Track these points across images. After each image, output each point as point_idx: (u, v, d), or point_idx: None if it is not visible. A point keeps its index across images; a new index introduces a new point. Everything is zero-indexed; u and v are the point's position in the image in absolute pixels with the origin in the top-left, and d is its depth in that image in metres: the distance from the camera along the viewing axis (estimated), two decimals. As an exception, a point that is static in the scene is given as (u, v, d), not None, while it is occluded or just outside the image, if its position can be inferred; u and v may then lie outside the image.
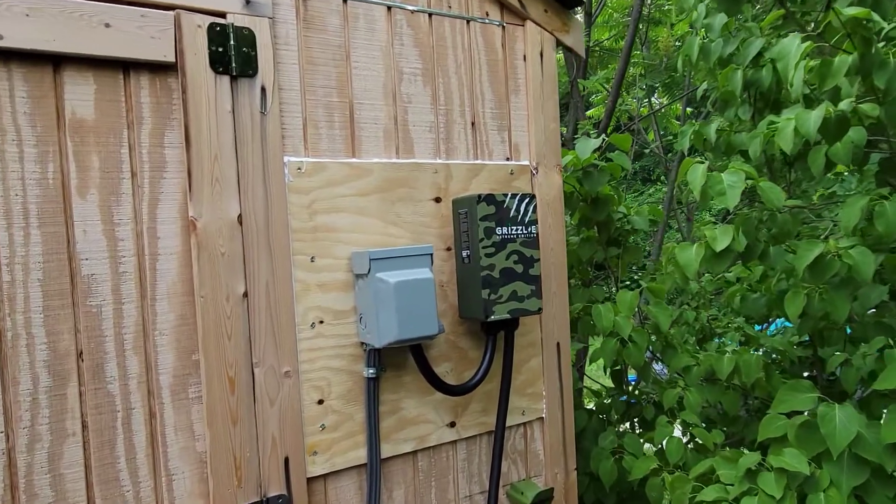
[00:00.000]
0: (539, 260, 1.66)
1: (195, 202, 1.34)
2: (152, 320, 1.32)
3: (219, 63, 1.36)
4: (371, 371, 1.53)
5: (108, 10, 1.25)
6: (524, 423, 1.84)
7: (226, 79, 1.37)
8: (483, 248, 1.57)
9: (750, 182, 1.65)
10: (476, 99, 1.77)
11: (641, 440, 2.19)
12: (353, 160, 1.56)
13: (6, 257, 1.18)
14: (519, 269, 1.62)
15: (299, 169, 1.47)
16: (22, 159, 1.20)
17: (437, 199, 1.68)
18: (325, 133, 1.53)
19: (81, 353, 1.25)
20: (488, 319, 1.58)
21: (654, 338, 2.25)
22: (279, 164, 1.44)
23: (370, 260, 1.45)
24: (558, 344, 1.89)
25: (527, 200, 1.65)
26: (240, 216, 1.39)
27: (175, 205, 1.34)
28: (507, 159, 1.82)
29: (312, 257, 1.49)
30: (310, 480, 1.48)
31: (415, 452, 1.64)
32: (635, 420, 2.41)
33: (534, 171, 1.85)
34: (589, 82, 4.09)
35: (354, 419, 1.54)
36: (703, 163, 1.67)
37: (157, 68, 1.32)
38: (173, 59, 1.32)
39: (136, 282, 1.30)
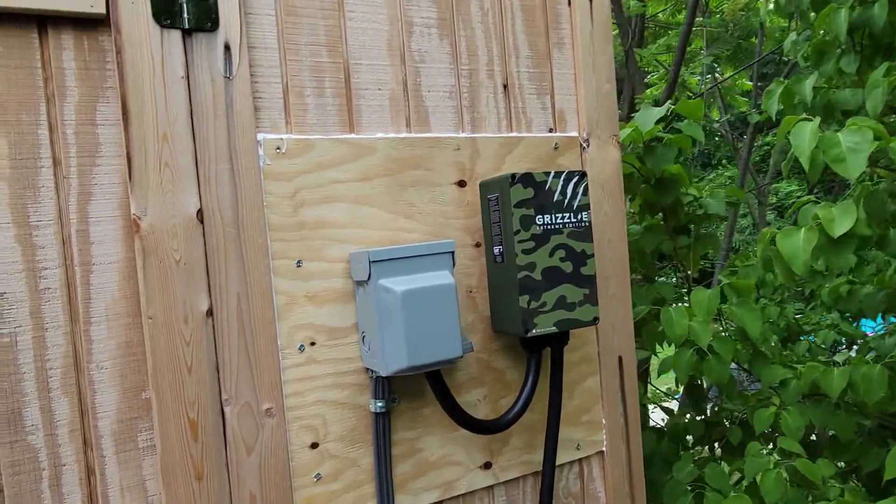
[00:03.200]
0: (593, 255, 1.29)
1: (138, 195, 1.03)
2: (87, 350, 1.02)
3: (165, 14, 1.05)
4: (379, 404, 1.20)
5: (10, -53, 0.95)
6: (579, 460, 1.47)
7: (176, 34, 1.06)
8: (519, 242, 1.21)
9: (878, 144, 1.23)
10: (508, 55, 1.40)
11: (727, 471, 1.79)
12: (351, 136, 1.22)
13: None
14: (567, 267, 1.25)
15: (278, 149, 1.15)
16: None
17: (461, 183, 1.33)
18: (312, 103, 1.20)
19: (-9, 395, 0.96)
20: (528, 335, 1.22)
21: (738, 345, 1.84)
22: (250, 144, 1.12)
23: (370, 262, 1.12)
24: (620, 359, 1.51)
25: (575, 179, 1.27)
26: (199, 212, 1.07)
27: (114, 199, 1.04)
28: (550, 130, 1.45)
29: (299, 261, 1.16)
30: (304, 545, 1.16)
31: (440, 503, 1.30)
32: (717, 445, 2.00)
33: (584, 145, 1.48)
34: (647, 51, 3.64)
35: (360, 465, 1.21)
36: (810, 120, 1.26)
37: (84, 23, 1.02)
38: (103, 10, 1.01)
39: (63, 301, 1.00)
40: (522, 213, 1.22)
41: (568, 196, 1.27)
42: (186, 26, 1.06)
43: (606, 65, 1.52)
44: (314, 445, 1.17)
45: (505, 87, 1.40)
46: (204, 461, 1.07)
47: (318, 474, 1.17)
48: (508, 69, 1.41)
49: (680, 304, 1.76)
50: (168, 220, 1.05)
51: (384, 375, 1.13)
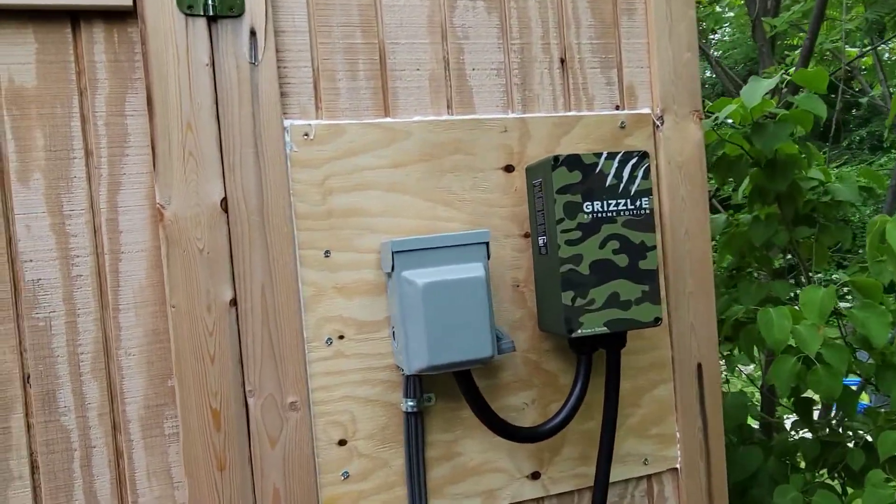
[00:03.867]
0: (654, 248, 1.13)
1: (162, 184, 1.03)
2: (116, 336, 1.04)
3: (189, 2, 1.04)
4: (410, 403, 1.13)
5: (41, -54, 0.99)
6: (648, 477, 1.31)
7: (201, 22, 1.05)
8: (563, 232, 1.09)
9: None
10: (567, 25, 1.27)
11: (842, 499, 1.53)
12: (385, 120, 1.16)
13: (-66, 261, 0.97)
14: (622, 261, 1.11)
15: (306, 135, 1.11)
16: (-51, 140, 0.98)
17: (508, 168, 1.22)
18: (344, 87, 1.15)
19: (28, 376, 1.01)
20: (573, 335, 1.09)
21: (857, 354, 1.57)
22: (277, 130, 1.09)
23: (392, 253, 1.05)
24: (700, 366, 1.33)
25: (633, 161, 1.12)
26: (224, 200, 1.06)
27: (142, 189, 1.06)
28: (617, 108, 1.30)
29: (327, 251, 1.12)
30: (330, 545, 1.12)
31: (482, 512, 1.21)
32: (835, 468, 1.72)
33: (657, 122, 1.31)
34: (779, 20, 3.24)
35: (391, 466, 1.15)
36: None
37: (114, 16, 1.04)
38: (130, 2, 1.02)
39: (93, 288, 1.03)
40: (567, 200, 1.09)
41: (624, 180, 1.12)
42: (211, 13, 1.05)
43: (687, 31, 1.33)
44: (342, 442, 1.13)
45: (562, 61, 1.27)
46: (227, 452, 1.06)
47: (346, 472, 1.13)
48: (567, 41, 1.28)
49: (784, 306, 1.52)
50: (191, 208, 1.05)
51: (408, 374, 1.06)
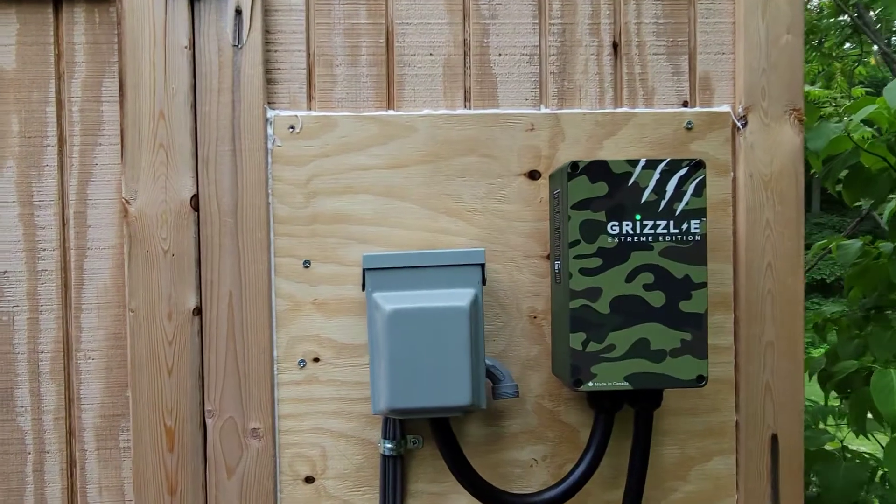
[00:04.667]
0: (703, 285, 0.87)
1: (129, 177, 0.95)
2: (77, 337, 0.98)
3: (171, -22, 0.95)
4: (388, 445, 0.96)
5: (23, -80, 0.93)
6: (692, 569, 1.04)
7: (182, 1, 0.95)
8: (577, 258, 0.87)
9: None
10: (625, 1, 1.03)
11: None
12: (384, 113, 1.00)
13: None
14: (656, 299, 0.86)
15: (292, 128, 0.98)
16: (-70, 124, 0.96)
17: (533, 175, 1.01)
18: (342, 74, 1.00)
19: (-11, 372, 0.97)
20: (578, 389, 0.86)
21: None
22: (256, 121, 0.97)
23: (364, 270, 0.89)
24: (775, 437, 1.04)
25: (682, 172, 0.87)
26: (195, 198, 0.96)
27: (113, 181, 0.98)
28: (685, 104, 1.04)
29: (307, 261, 0.98)
30: None
31: (472, 582, 1.02)
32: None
33: (739, 123, 1.03)
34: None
35: (364, 514, 1.00)
36: None
37: (95, -5, 0.97)
38: (110, -21, 0.95)
39: (58, 284, 0.97)
40: (586, 218, 0.87)
41: (667, 196, 0.87)
42: (194, -10, 0.95)
43: (789, 6, 1.04)
44: (309, 480, 0.99)
45: (615, 45, 1.04)
46: (178, 475, 0.96)
47: (312, 515, 0.99)
48: (623, 20, 1.03)
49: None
50: (159, 205, 0.95)
51: (374, 413, 0.90)
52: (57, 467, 0.98)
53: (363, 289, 0.89)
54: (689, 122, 1.03)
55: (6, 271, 0.97)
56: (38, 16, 0.97)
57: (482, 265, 0.89)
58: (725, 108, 1.04)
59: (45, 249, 0.97)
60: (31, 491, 0.97)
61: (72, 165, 0.97)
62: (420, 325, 0.84)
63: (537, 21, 1.03)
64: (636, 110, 1.03)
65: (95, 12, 0.97)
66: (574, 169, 0.87)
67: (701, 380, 0.87)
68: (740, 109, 1.03)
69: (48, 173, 0.97)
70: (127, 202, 0.95)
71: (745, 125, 1.03)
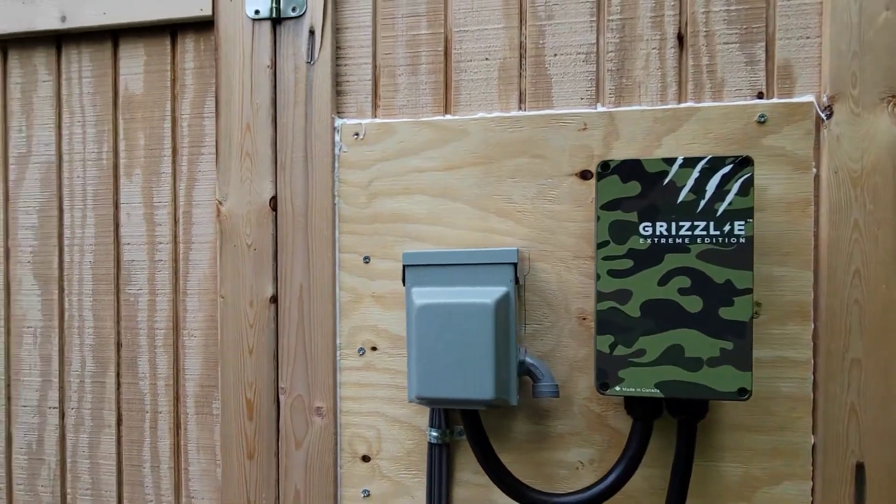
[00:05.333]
0: (748, 291, 0.81)
1: (221, 181, 1.10)
2: (183, 317, 1.15)
3: (258, 6, 1.08)
4: (434, 434, 1.02)
5: (147, -31, 1.13)
6: None
7: (266, 25, 1.09)
8: (605, 259, 0.85)
9: None
10: (689, -8, 0.99)
11: None
12: (439, 118, 1.05)
13: (68, 238, 1.20)
14: (692, 304, 0.82)
15: (356, 135, 1.07)
16: (85, 140, 1.19)
17: (585, 175, 1.00)
18: (404, 83, 1.07)
19: (120, 344, 1.18)
20: (605, 393, 0.85)
21: None
22: (326, 130, 1.07)
23: (404, 266, 0.95)
24: (860, 466, 0.92)
25: (725, 170, 0.82)
26: (273, 199, 1.09)
27: (211, 185, 1.14)
28: (759, 95, 0.97)
29: (367, 257, 1.07)
30: (347, 561, 1.08)
31: (516, 576, 1.03)
32: None
33: (823, 114, 0.93)
34: None
35: (414, 496, 1.06)
36: None
37: (201, 27, 1.14)
38: (210, 12, 1.11)
39: (170, 272, 1.16)
40: (616, 219, 0.85)
41: (707, 195, 0.82)
42: (276, 15, 1.08)
43: (889, -20, 0.92)
44: (365, 458, 1.07)
45: (679, 37, 0.99)
46: (256, 443, 1.09)
47: (367, 491, 1.07)
48: (690, 11, 0.99)
49: None
50: (244, 206, 1.09)
51: (409, 401, 0.95)
52: (166, 426, 1.16)
53: (403, 284, 0.95)
54: (761, 115, 0.95)
55: (133, 260, 1.17)
56: (159, 47, 1.16)
57: (514, 264, 0.91)
58: (808, 98, 0.95)
59: (161, 243, 1.16)
60: (147, 444, 1.17)
61: (181, 172, 1.15)
62: (447, 320, 0.89)
63: (595, 18, 1.01)
64: (701, 105, 0.97)
65: (200, 41, 1.14)
66: (604, 168, 0.85)
67: (743, 393, 0.81)
68: (825, 99, 0.93)
69: (164, 179, 1.16)
70: (220, 203, 1.10)
71: (829, 116, 0.93)
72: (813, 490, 0.94)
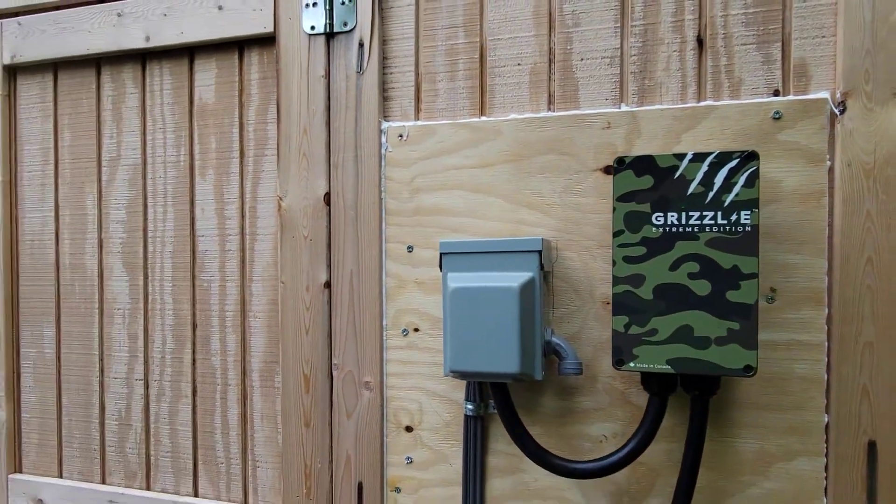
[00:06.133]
0: (755, 276, 0.88)
1: (282, 180, 1.24)
2: (249, 301, 1.30)
3: (313, 22, 1.21)
4: (470, 407, 1.12)
5: (218, -8, 1.27)
6: (770, 568, 1.02)
7: (321, 39, 1.21)
8: (621, 247, 0.93)
9: None
10: (708, -3, 1.05)
11: None
12: (477, 119, 1.15)
13: (152, 231, 1.36)
14: (701, 288, 0.90)
15: (400, 136, 1.18)
16: (165, 144, 1.35)
17: (608, 170, 1.09)
18: (444, 88, 1.18)
19: (196, 324, 1.33)
20: (620, 368, 0.93)
21: None
22: (374, 132, 1.19)
23: (441, 254, 1.05)
24: (872, 445, 0.97)
25: (731, 164, 0.89)
26: (327, 195, 1.21)
27: (273, 183, 1.28)
28: (776, 93, 1.02)
29: (410, 247, 1.18)
30: (392, 521, 1.20)
31: (545, 540, 1.13)
32: None
33: (836, 109, 0.99)
34: None
35: (452, 464, 1.16)
36: None
37: (264, 42, 1.28)
38: (272, 29, 1.24)
39: (237, 261, 1.30)
40: (630, 210, 0.93)
41: (716, 188, 0.90)
42: (329, 30, 1.20)
43: (902, -20, 0.96)
44: (409, 429, 1.19)
45: (699, 41, 1.06)
46: (312, 413, 1.23)
47: (410, 458, 1.18)
48: (709, 15, 1.05)
49: None
50: (301, 201, 1.23)
51: (444, 375, 1.06)
52: (235, 397, 1.31)
53: (440, 269, 1.06)
54: (776, 112, 1.01)
55: (206, 250, 1.32)
56: (229, 61, 1.30)
57: (539, 252, 1.00)
58: (823, 95, 1.00)
59: (230, 235, 1.31)
60: (219, 413, 1.32)
61: (248, 172, 1.29)
62: (478, 301, 0.99)
63: (619, 24, 1.09)
64: (719, 103, 1.04)
65: (264, 54, 1.28)
66: (620, 164, 0.93)
67: (749, 369, 0.88)
68: (839, 95, 0.98)
69: (233, 178, 1.30)
70: (280, 199, 1.24)
71: (843, 111, 0.98)
72: (826, 467, 0.99)
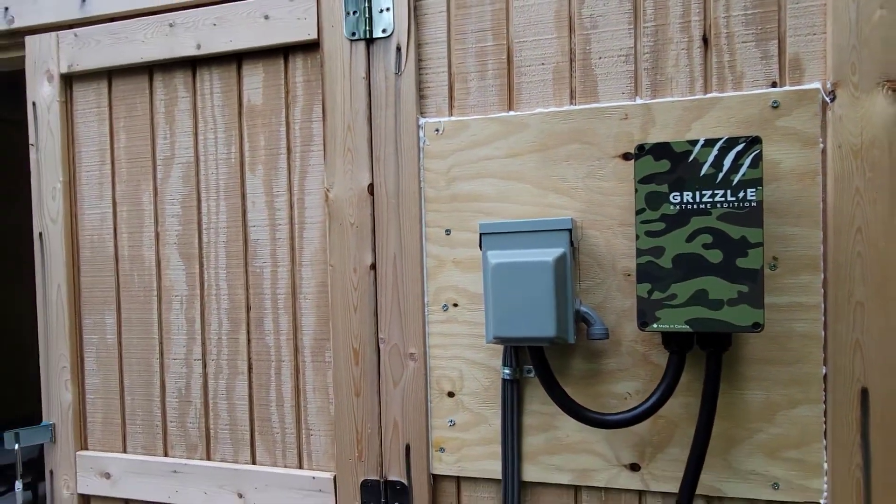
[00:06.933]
0: (760, 245, 1.01)
1: (328, 173, 1.37)
2: (299, 284, 1.43)
3: (354, 29, 1.34)
4: (507, 371, 1.26)
5: (264, 3, 1.40)
6: None
7: (361, 44, 1.34)
8: (643, 223, 1.07)
9: None
10: None
11: None
12: (506, 114, 1.28)
13: (206, 223, 1.49)
14: (714, 256, 1.03)
15: (437, 131, 1.31)
16: (216, 143, 1.47)
17: (627, 156, 1.22)
18: (475, 86, 1.31)
19: (249, 307, 1.46)
20: (645, 329, 1.07)
21: None
22: (412, 127, 1.32)
23: (480, 235, 1.19)
24: (865, 391, 1.11)
25: (738, 148, 1.02)
26: (371, 185, 1.34)
27: (319, 176, 1.41)
28: (773, 84, 1.16)
29: (448, 230, 1.31)
30: (437, 478, 1.33)
31: (577, 488, 1.26)
32: None
33: (827, 97, 1.12)
34: None
35: (490, 424, 1.30)
36: None
37: (308, 48, 1.40)
38: (316, 36, 1.37)
39: (287, 248, 1.43)
40: (651, 190, 1.06)
41: (725, 169, 1.03)
42: (368, 36, 1.33)
43: (883, -17, 1.09)
44: (451, 394, 1.32)
45: (705, 39, 1.19)
46: (361, 383, 1.36)
47: (453, 421, 1.32)
48: (713, 16, 1.18)
49: None
50: (347, 192, 1.35)
51: (486, 342, 1.19)
52: (288, 372, 1.44)
53: (480, 248, 1.19)
54: (774, 101, 1.14)
55: (258, 239, 1.45)
56: (275, 66, 1.43)
57: (570, 230, 1.13)
58: (815, 85, 1.13)
59: (280, 224, 1.43)
60: (273, 387, 1.45)
61: (295, 167, 1.42)
62: (516, 274, 1.12)
63: (632, 26, 1.22)
64: (724, 94, 1.17)
65: (308, 59, 1.40)
66: (640, 150, 1.07)
67: (757, 326, 1.01)
68: (829, 85, 1.12)
69: (281, 173, 1.43)
70: (327, 190, 1.36)
71: (833, 99, 1.12)
72: (825, 412, 1.13)
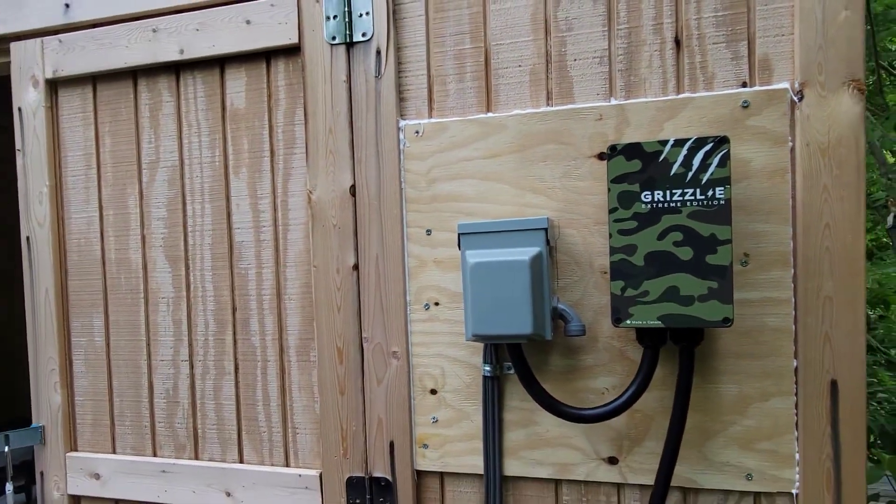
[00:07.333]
0: (728, 242, 1.04)
1: (311, 175, 1.39)
2: (284, 285, 1.45)
3: (334, 33, 1.36)
4: (487, 368, 1.28)
5: (246, 8, 1.42)
6: (755, 494, 1.19)
7: (342, 48, 1.36)
8: (616, 221, 1.09)
9: None
10: (686, 1, 1.21)
11: None
12: (485, 115, 1.31)
13: (191, 226, 1.51)
14: (684, 254, 1.06)
15: (417, 133, 1.34)
16: (201, 147, 1.49)
17: (602, 156, 1.24)
18: (453, 88, 1.33)
19: (235, 308, 1.48)
20: (619, 325, 1.09)
21: None
22: (393, 130, 1.34)
23: (459, 235, 1.21)
24: (834, 383, 1.14)
25: (706, 148, 1.05)
26: (352, 187, 1.36)
27: (302, 178, 1.43)
28: (743, 84, 1.18)
29: (428, 230, 1.34)
30: (421, 473, 1.36)
31: (557, 482, 1.29)
32: None
33: (795, 97, 1.15)
34: None
35: (473, 421, 1.32)
36: None
37: (289, 52, 1.42)
38: (297, 41, 1.39)
39: (272, 249, 1.45)
40: (622, 190, 1.09)
41: (693, 168, 1.06)
42: (349, 40, 1.35)
43: (848, -15, 1.12)
44: (433, 392, 1.34)
45: (677, 41, 1.22)
46: (346, 382, 1.38)
47: (435, 418, 1.34)
48: (684, 18, 1.21)
49: None
50: (329, 193, 1.38)
51: (466, 340, 1.21)
52: (274, 372, 1.46)
53: (459, 248, 1.21)
54: (744, 101, 1.17)
55: (243, 241, 1.47)
56: (257, 70, 1.45)
57: (545, 229, 1.16)
58: (784, 85, 1.16)
59: (264, 226, 1.45)
60: (260, 386, 1.47)
61: (278, 169, 1.44)
62: (494, 274, 1.14)
63: (606, 29, 1.25)
64: (696, 95, 1.20)
65: (290, 63, 1.42)
66: (612, 150, 1.09)
67: (727, 321, 1.04)
68: (797, 85, 1.15)
69: (265, 175, 1.45)
70: (310, 192, 1.39)
71: (801, 99, 1.14)
72: (797, 404, 1.16)
